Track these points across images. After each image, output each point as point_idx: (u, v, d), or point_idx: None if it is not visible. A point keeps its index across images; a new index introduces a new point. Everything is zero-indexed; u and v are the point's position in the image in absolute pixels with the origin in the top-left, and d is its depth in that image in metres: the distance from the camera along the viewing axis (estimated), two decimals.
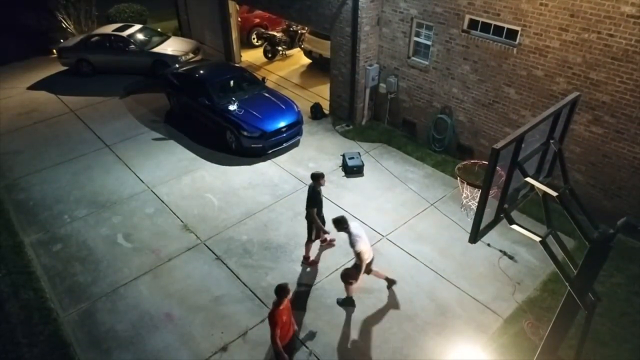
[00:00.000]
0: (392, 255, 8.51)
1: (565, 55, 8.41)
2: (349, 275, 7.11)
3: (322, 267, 8.31)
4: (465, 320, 7.36)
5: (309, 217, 7.99)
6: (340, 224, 6.95)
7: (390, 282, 7.81)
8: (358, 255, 6.83)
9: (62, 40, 16.61)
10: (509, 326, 7.23)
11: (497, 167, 4.06)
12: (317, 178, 7.83)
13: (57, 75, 15.81)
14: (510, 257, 8.43)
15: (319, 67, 15.70)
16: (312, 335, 7.13)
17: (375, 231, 9.03)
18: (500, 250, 8.53)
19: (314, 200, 7.89)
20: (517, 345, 6.90)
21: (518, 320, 7.31)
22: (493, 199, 4.44)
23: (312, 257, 8.47)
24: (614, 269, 8.04)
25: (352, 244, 6.83)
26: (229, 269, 8.29)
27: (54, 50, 16.30)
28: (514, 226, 4.45)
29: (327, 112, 13.22)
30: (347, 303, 7.60)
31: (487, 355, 6.82)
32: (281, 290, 5.67)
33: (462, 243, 8.69)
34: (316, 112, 12.97)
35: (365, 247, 6.92)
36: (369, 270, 7.27)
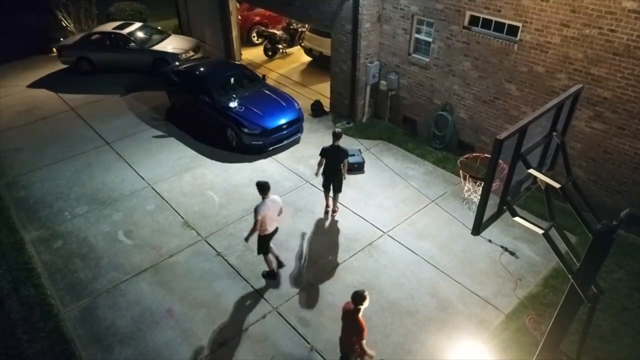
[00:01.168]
0: (393, 252, 8.50)
1: (566, 51, 8.41)
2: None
3: (322, 263, 8.30)
4: (466, 316, 7.35)
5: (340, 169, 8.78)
6: (262, 189, 7.19)
7: (271, 274, 7.96)
8: (255, 221, 7.18)
9: (62, 39, 16.59)
10: (511, 322, 7.22)
11: (500, 161, 4.05)
12: (340, 136, 8.58)
13: (57, 73, 15.81)
14: (512, 253, 8.42)
15: (319, 65, 15.69)
16: (313, 331, 7.12)
17: (376, 227, 9.03)
18: (502, 247, 8.52)
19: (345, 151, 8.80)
20: (518, 340, 6.89)
21: (519, 316, 7.30)
22: (495, 193, 4.43)
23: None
24: (615, 265, 8.03)
25: (257, 210, 7.13)
26: (230, 265, 8.28)
27: (54, 49, 16.28)
28: (517, 218, 4.43)
29: (327, 109, 13.22)
30: (269, 276, 7.96)
31: (489, 350, 6.81)
32: (361, 297, 5.75)
33: (463, 239, 8.68)
34: (317, 109, 12.97)
35: (267, 218, 7.25)
36: (266, 250, 7.73)
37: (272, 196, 7.34)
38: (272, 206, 7.27)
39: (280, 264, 8.06)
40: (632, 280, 7.81)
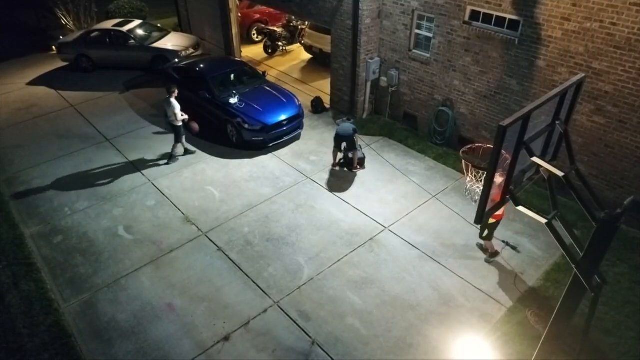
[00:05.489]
0: (394, 246, 8.48)
1: (567, 45, 8.39)
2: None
3: (324, 258, 8.27)
4: (468, 310, 7.33)
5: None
6: (169, 90, 10.30)
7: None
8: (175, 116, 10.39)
9: (61, 37, 16.57)
10: (513, 315, 7.20)
11: (502, 151, 4.04)
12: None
13: (56, 71, 15.77)
14: (513, 248, 8.40)
15: (319, 62, 15.69)
16: (314, 325, 7.09)
17: (377, 222, 9.01)
18: (503, 241, 8.49)
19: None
20: (520, 333, 6.87)
21: (521, 309, 7.28)
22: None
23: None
24: (617, 259, 8.01)
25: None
26: (231, 260, 8.25)
27: (54, 47, 16.25)
28: (520, 207, 4.42)
29: (327, 106, 13.19)
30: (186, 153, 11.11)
31: (491, 343, 6.79)
32: None
33: (464, 234, 8.66)
34: (317, 106, 12.94)
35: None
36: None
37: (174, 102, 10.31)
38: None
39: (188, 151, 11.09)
40: (634, 274, 7.80)
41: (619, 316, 7.10)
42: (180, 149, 10.99)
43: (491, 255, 8.13)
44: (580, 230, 8.39)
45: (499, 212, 7.05)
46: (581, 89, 4.71)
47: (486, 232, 7.64)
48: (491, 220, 7.39)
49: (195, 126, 10.80)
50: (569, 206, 8.66)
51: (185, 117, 10.60)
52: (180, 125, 10.58)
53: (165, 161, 10.83)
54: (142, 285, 7.79)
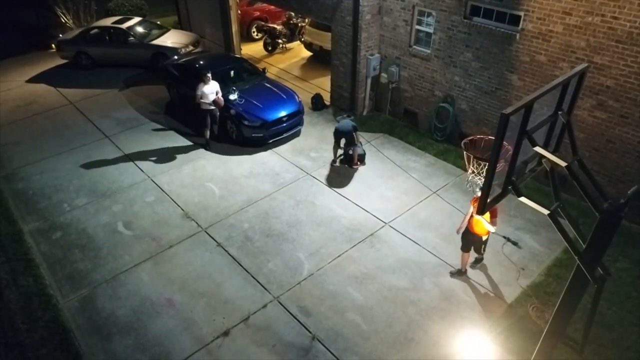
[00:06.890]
0: (395, 242, 8.44)
1: (568, 39, 8.35)
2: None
3: (324, 253, 8.23)
4: (469, 305, 7.29)
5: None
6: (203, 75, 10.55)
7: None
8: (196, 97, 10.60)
9: (60, 35, 16.52)
10: (514, 310, 7.17)
11: (504, 142, 3.99)
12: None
13: (56, 68, 15.72)
14: (514, 243, 8.36)
15: (319, 59, 15.65)
16: (315, 320, 7.05)
17: (378, 218, 8.96)
18: (504, 237, 8.45)
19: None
20: (522, 329, 6.84)
21: (523, 304, 7.24)
22: (499, 174, 4.37)
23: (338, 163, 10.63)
24: (619, 254, 7.98)
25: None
26: (231, 255, 8.21)
27: (53, 44, 16.21)
28: (522, 198, 4.38)
29: (327, 103, 13.15)
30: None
31: (492, 339, 6.75)
32: None
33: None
34: (317, 103, 12.90)
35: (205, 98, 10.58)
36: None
37: (207, 86, 10.55)
38: (208, 90, 10.57)
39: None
40: (636, 269, 7.76)
41: (621, 311, 7.06)
42: (207, 134, 11.13)
43: (459, 271, 7.82)
44: (581, 226, 8.31)
45: (492, 229, 7.03)
46: (584, 78, 4.67)
47: (483, 246, 7.55)
48: (484, 237, 7.35)
49: (219, 101, 10.77)
50: (570, 202, 8.62)
51: (207, 104, 10.66)
52: (203, 110, 10.68)
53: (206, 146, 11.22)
54: (141, 280, 7.75)
